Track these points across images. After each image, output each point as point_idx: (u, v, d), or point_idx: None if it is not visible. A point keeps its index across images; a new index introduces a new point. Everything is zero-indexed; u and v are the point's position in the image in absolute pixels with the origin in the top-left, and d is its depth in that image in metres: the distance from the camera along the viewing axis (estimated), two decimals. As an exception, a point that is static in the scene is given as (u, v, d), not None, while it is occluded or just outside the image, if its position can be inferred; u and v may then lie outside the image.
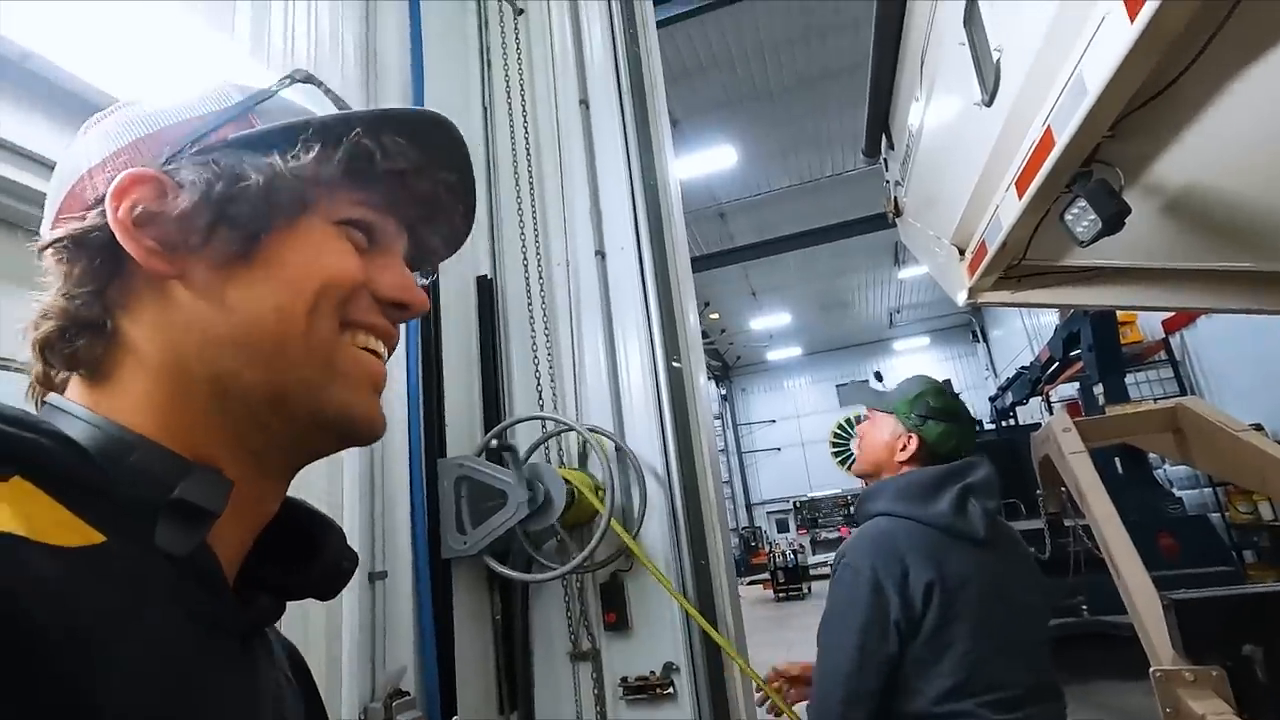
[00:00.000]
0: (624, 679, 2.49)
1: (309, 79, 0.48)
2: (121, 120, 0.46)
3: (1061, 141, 1.37)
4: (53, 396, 0.43)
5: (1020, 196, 1.62)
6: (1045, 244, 1.88)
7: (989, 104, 1.75)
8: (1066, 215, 1.51)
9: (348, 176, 0.45)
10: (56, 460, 0.36)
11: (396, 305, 0.48)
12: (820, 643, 1.42)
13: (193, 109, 0.46)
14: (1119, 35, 1.08)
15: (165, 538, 0.38)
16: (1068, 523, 5.32)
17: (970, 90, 1.85)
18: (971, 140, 1.95)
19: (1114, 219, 1.37)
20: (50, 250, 0.44)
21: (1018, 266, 2.05)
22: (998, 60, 1.65)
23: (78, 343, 0.42)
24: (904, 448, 1.57)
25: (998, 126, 1.71)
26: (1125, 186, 1.44)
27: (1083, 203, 1.43)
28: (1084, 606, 5.41)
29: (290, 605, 0.49)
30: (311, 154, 0.44)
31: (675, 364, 2.72)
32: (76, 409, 0.41)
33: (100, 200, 0.43)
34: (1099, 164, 1.46)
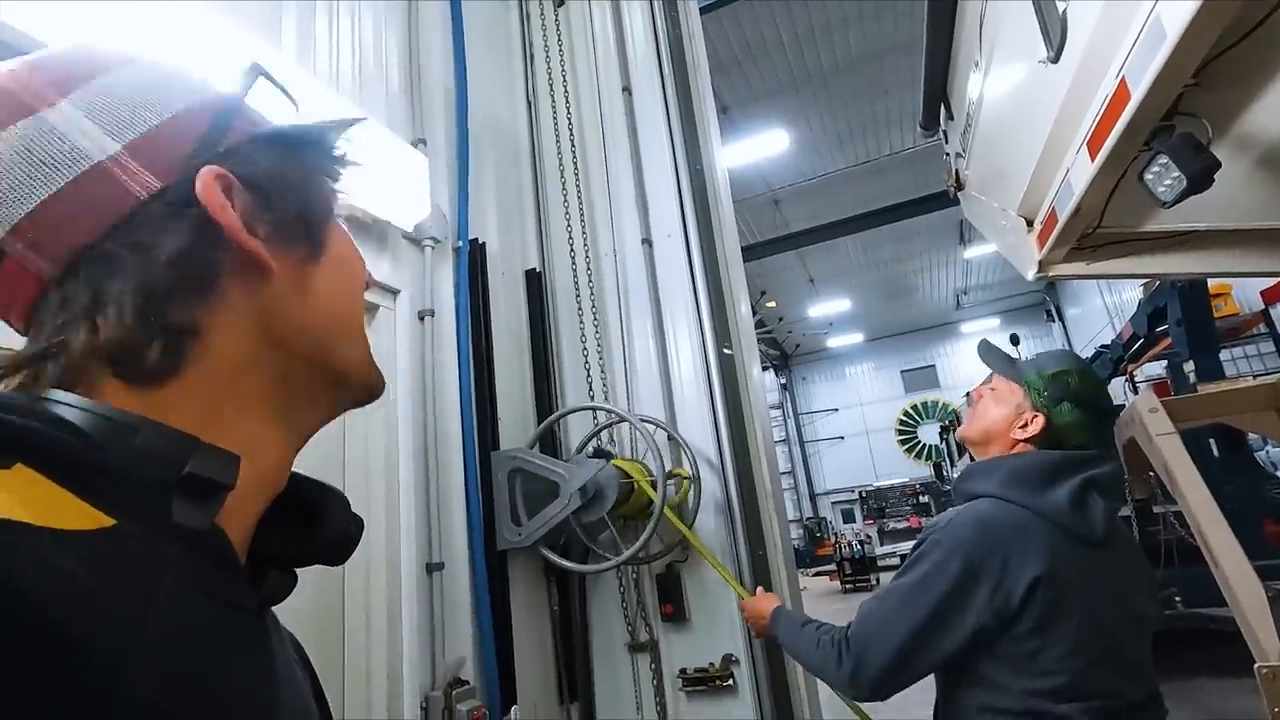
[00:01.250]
0: (683, 670, 2.47)
1: (263, 73, 0.49)
2: (115, 94, 0.42)
3: (1138, 94, 1.26)
4: (46, 390, 0.41)
5: (1093, 157, 1.50)
6: (1124, 209, 1.74)
7: (1055, 60, 1.63)
8: (1146, 175, 1.39)
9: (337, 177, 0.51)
10: (60, 446, 0.36)
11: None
12: (880, 601, 1.30)
13: (185, 95, 0.45)
14: (1201, -32, 0.97)
15: (182, 513, 0.38)
16: (1157, 509, 5.00)
17: (1034, 49, 1.72)
18: (1037, 102, 1.82)
19: (1201, 175, 1.24)
20: (93, 253, 0.40)
21: (1093, 235, 1.91)
22: (1064, 10, 1.53)
23: (152, 349, 0.40)
24: (1025, 425, 1.40)
25: (1066, 84, 1.59)
26: (1213, 140, 1.31)
27: (1164, 159, 1.31)
28: (1178, 599, 5.06)
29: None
30: (321, 153, 0.49)
31: (726, 350, 2.67)
32: (69, 397, 0.39)
33: (152, 196, 0.41)
34: (1182, 116, 1.34)
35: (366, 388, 0.51)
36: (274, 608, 0.49)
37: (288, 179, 0.46)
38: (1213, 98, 1.27)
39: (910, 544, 1.41)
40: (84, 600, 0.30)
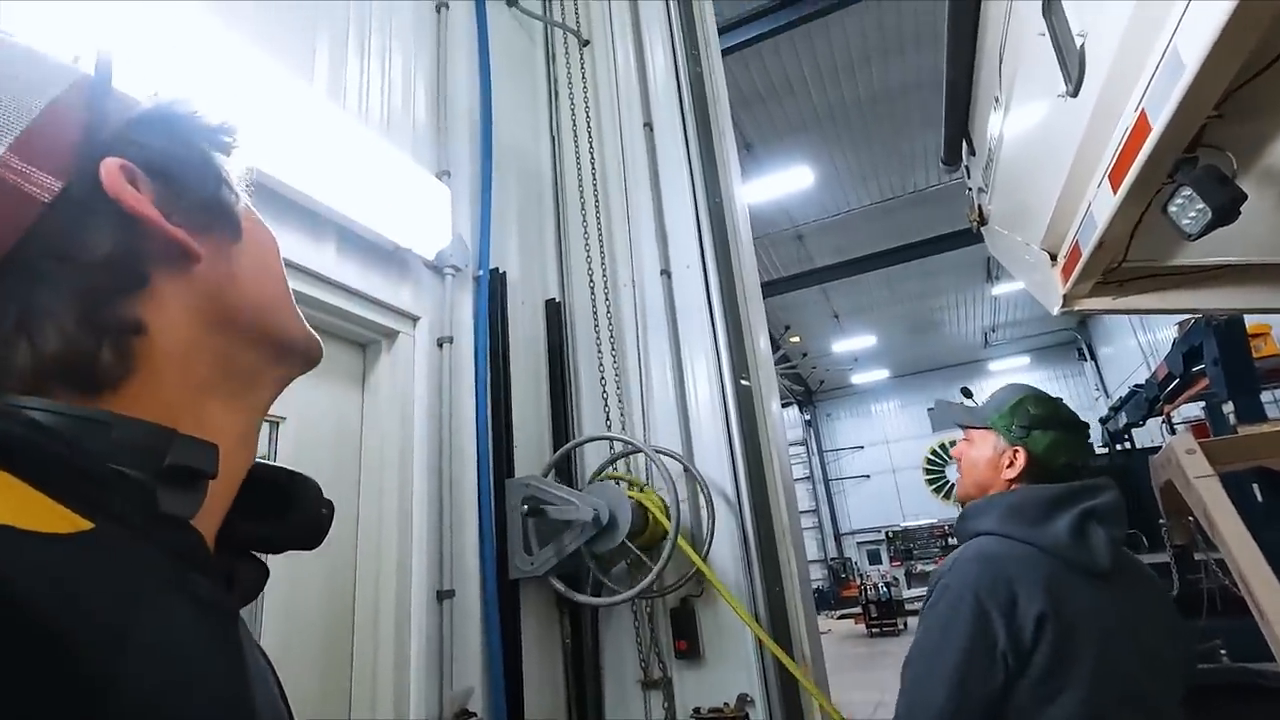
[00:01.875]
0: (696, 710, 2.40)
1: (101, 57, 0.45)
2: None
3: (1158, 126, 1.24)
4: (6, 396, 0.39)
5: (1115, 190, 1.48)
6: (1150, 243, 1.72)
7: (1074, 94, 1.62)
8: (1170, 206, 1.36)
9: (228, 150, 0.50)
10: (35, 448, 0.35)
11: None
12: (909, 673, 1.25)
13: (47, 82, 0.40)
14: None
15: (170, 503, 0.38)
16: (1198, 556, 4.79)
17: (1053, 83, 1.72)
18: (1058, 136, 1.81)
19: (1226, 208, 1.22)
20: (12, 268, 0.37)
21: (1118, 269, 1.87)
22: (1081, 45, 1.53)
23: (102, 353, 0.38)
24: (1010, 464, 1.41)
25: (1086, 117, 1.58)
26: (1239, 172, 1.28)
27: (1188, 191, 1.29)
28: (1223, 652, 4.80)
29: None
30: (210, 131, 0.48)
31: (744, 382, 2.65)
32: (33, 400, 0.38)
33: (57, 197, 0.38)
34: (1206, 148, 1.32)
35: (306, 354, 0.52)
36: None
37: (186, 160, 0.45)
38: (1237, 129, 1.26)
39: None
40: (72, 604, 0.30)
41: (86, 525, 0.34)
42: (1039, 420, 1.41)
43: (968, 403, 1.66)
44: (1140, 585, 1.32)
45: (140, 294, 0.41)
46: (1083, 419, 1.52)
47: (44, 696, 0.28)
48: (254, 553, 0.48)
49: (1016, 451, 1.41)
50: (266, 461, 0.50)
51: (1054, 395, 1.53)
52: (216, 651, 0.38)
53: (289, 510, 0.49)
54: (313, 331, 0.53)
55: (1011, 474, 1.40)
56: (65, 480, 0.35)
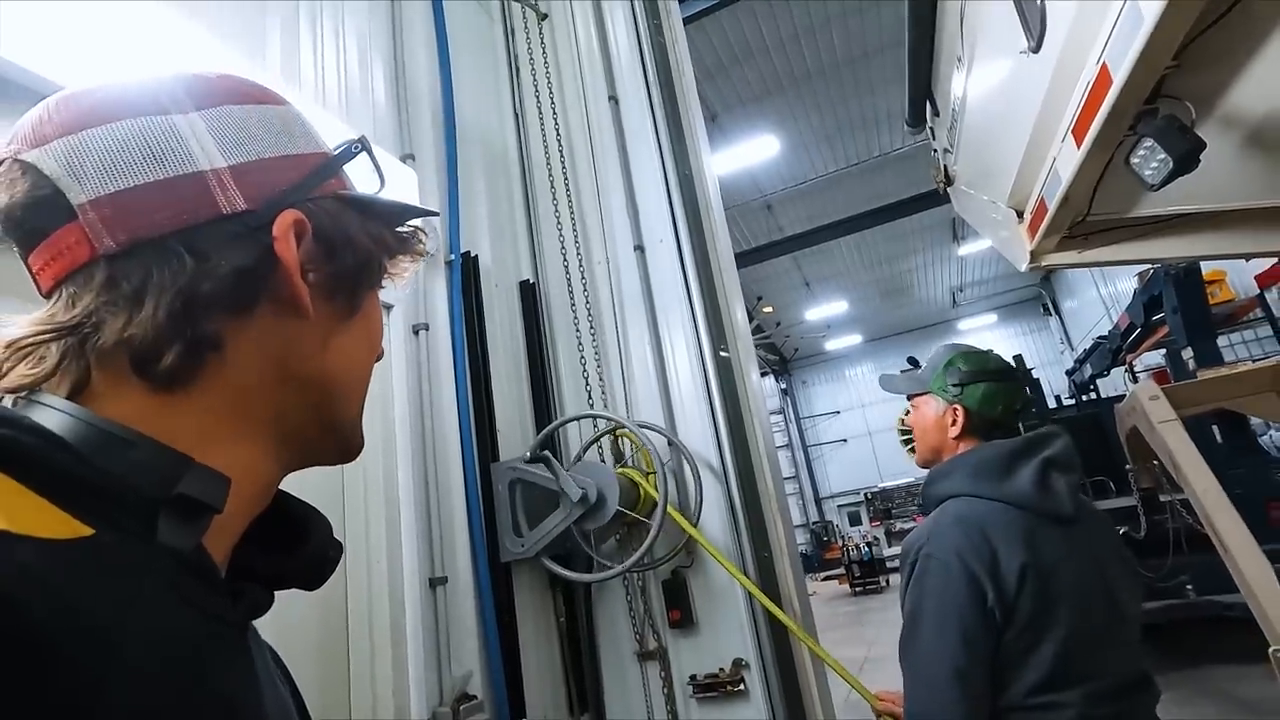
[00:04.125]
0: (693, 677, 2.45)
1: (367, 148, 0.53)
2: (240, 122, 0.46)
3: (1119, 78, 1.26)
4: (40, 394, 0.41)
5: (1079, 144, 1.50)
6: (1112, 195, 1.75)
7: (1036, 50, 1.64)
8: (1133, 158, 1.39)
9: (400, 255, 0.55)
10: (37, 456, 0.35)
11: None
12: (913, 652, 1.23)
13: (299, 143, 0.49)
14: (1175, -51, 0.98)
15: (168, 533, 0.38)
16: (1164, 498, 4.99)
17: (1015, 41, 1.74)
18: (1021, 93, 1.83)
19: (1186, 156, 1.25)
20: (158, 244, 0.41)
21: (1083, 223, 1.91)
22: (1042, 2, 1.54)
23: (170, 355, 0.40)
24: (954, 421, 1.45)
25: (1048, 74, 1.60)
26: (1198, 120, 1.31)
27: (1150, 143, 1.32)
28: (1189, 587, 5.03)
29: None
30: (390, 230, 0.53)
31: (723, 353, 2.67)
32: (63, 404, 0.40)
33: (234, 215, 0.43)
34: (1165, 99, 1.34)
35: (347, 448, 0.53)
36: (268, 626, 0.49)
37: (355, 242, 0.49)
38: (1195, 79, 1.28)
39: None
40: (65, 607, 0.30)
41: (87, 531, 0.34)
42: (969, 375, 1.45)
43: (914, 372, 1.70)
44: (1097, 527, 1.36)
45: (237, 318, 0.43)
46: (1046, 385, 1.54)
47: (31, 699, 0.28)
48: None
49: (955, 409, 1.44)
50: (289, 493, 0.51)
51: (984, 349, 1.56)
52: (216, 658, 0.38)
53: (299, 546, 0.49)
54: (363, 437, 0.54)
55: (955, 431, 1.44)
56: (69, 489, 0.35)
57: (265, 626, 0.48)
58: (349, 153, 0.52)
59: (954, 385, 1.46)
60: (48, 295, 0.42)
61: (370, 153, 0.53)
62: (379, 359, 0.56)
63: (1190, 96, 1.29)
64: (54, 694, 0.28)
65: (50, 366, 0.40)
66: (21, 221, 0.42)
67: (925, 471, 1.51)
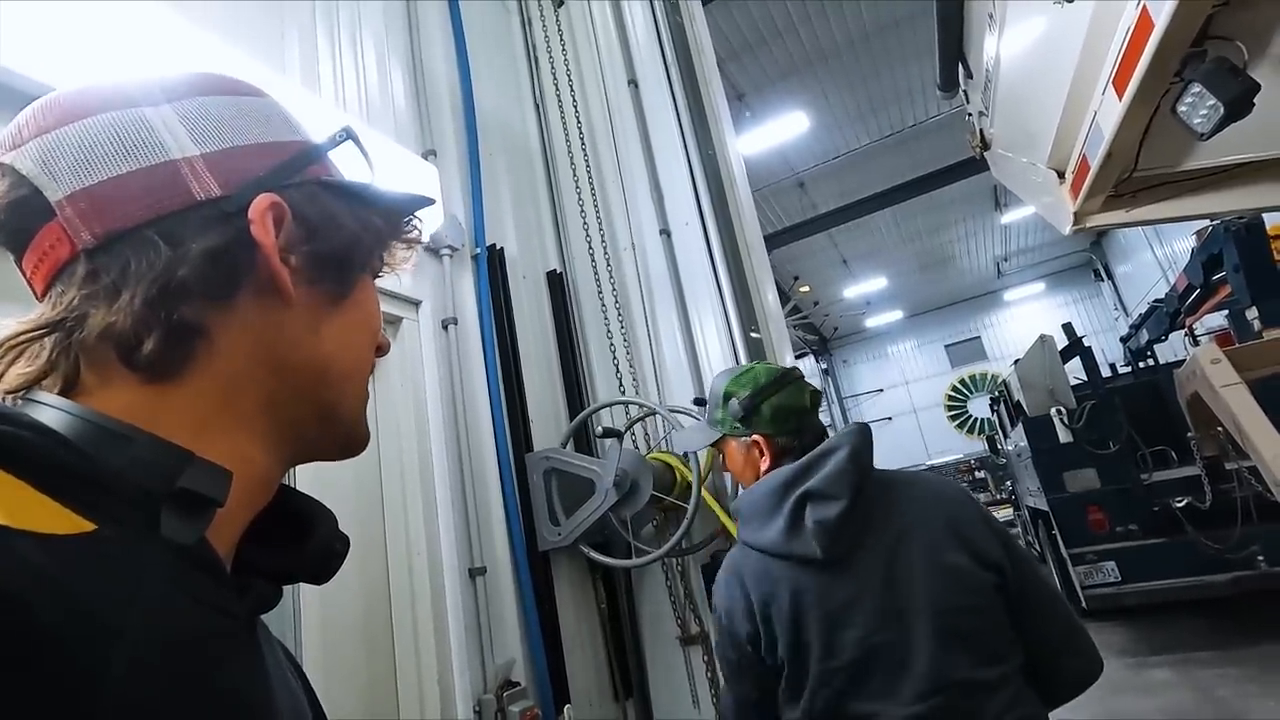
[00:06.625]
0: (736, 661, 2.44)
1: (352, 136, 0.52)
2: (213, 112, 0.46)
3: (1161, 21, 1.18)
4: (36, 393, 0.41)
5: (1121, 95, 1.42)
6: (1160, 149, 1.65)
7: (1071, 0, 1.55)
8: (1180, 106, 1.31)
9: (393, 242, 0.55)
10: (38, 452, 0.35)
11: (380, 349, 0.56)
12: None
13: (278, 132, 0.48)
14: (1217, -127, 0.90)
15: (170, 527, 0.38)
16: (1229, 466, 4.75)
17: (1048, -10, 1.65)
18: (1057, 46, 1.74)
19: (1239, 100, 1.17)
20: (133, 235, 0.41)
21: (1129, 180, 1.81)
22: (1075, -54, 1.45)
23: (150, 342, 0.40)
24: (762, 454, 1.31)
25: (1084, 23, 1.51)
26: (1250, 61, 1.22)
27: (1198, 88, 1.23)
28: (1260, 558, 4.79)
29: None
30: (381, 216, 0.52)
31: (754, 334, 2.62)
32: (60, 401, 0.40)
33: (208, 201, 0.43)
34: (1214, 40, 1.25)
35: (348, 441, 0.52)
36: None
37: (338, 223, 0.49)
38: (1246, 16, 1.19)
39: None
40: (66, 602, 0.30)
41: (88, 527, 0.34)
42: (747, 400, 1.32)
43: (699, 416, 1.58)
44: (885, 545, 1.17)
45: (218, 305, 0.43)
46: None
47: (32, 694, 0.28)
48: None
49: (757, 441, 1.31)
50: (294, 488, 0.50)
51: (746, 364, 1.46)
52: (221, 653, 0.37)
53: (305, 540, 0.49)
54: (367, 431, 0.53)
55: (767, 462, 1.30)
56: (70, 484, 0.35)
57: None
58: (333, 141, 0.51)
59: (738, 417, 1.33)
60: (43, 298, 0.43)
61: (357, 141, 0.52)
62: (383, 352, 0.55)
63: (1241, 35, 1.21)
64: (57, 689, 0.28)
65: (44, 364, 0.40)
66: (4, 223, 0.42)
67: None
